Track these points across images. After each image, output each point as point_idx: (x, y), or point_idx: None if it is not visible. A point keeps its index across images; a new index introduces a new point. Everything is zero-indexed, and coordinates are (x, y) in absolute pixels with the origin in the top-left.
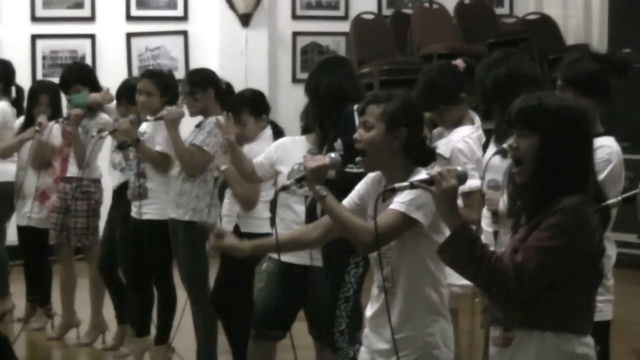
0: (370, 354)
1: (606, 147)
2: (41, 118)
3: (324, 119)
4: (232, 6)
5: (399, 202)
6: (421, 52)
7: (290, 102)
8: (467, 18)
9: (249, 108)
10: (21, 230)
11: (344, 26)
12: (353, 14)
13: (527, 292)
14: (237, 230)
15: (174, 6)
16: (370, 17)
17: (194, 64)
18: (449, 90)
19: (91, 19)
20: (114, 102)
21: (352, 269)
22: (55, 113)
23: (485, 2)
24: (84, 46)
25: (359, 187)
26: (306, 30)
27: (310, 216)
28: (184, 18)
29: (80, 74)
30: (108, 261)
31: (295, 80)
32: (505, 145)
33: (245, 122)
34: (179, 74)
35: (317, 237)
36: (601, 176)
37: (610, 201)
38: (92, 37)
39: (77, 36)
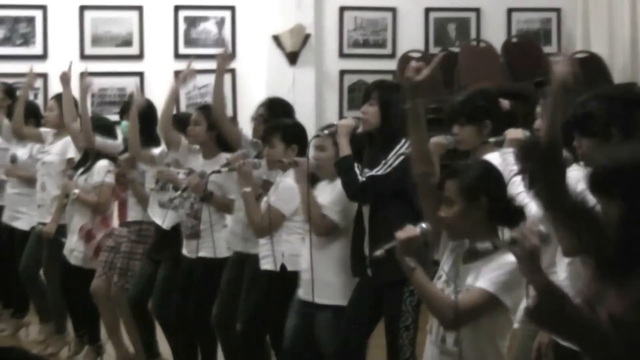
0: None
1: None
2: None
3: (384, 131)
4: (279, 44)
5: (490, 280)
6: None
7: None
8: (515, 56)
9: (281, 133)
10: (65, 265)
11: (391, 64)
12: (400, 52)
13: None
14: (283, 270)
15: (221, 45)
16: (417, 55)
17: (242, 102)
18: (477, 109)
19: (139, 57)
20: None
21: (407, 297)
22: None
23: (532, 40)
24: (132, 84)
25: None
26: (353, 68)
27: (356, 255)
28: (232, 56)
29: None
30: (142, 296)
31: (342, 118)
32: None
33: (275, 145)
34: (227, 112)
35: None
36: None
37: None
38: (140, 74)
39: (125, 74)
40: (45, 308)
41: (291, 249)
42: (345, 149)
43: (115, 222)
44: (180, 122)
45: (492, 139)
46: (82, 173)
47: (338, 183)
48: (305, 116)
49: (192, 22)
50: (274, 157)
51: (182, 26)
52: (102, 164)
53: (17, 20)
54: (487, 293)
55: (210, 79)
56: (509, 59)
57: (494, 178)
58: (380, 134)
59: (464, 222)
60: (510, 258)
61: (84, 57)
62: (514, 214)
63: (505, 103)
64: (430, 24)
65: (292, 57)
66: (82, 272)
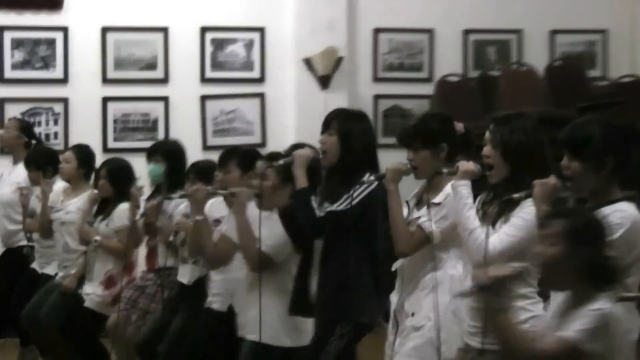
0: None
1: (620, 211)
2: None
3: (344, 163)
4: (310, 68)
5: (574, 328)
6: None
7: None
8: (558, 81)
9: (238, 159)
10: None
11: (428, 89)
12: (437, 76)
13: None
14: (231, 311)
15: (250, 68)
16: (455, 79)
17: (271, 128)
18: (433, 132)
19: (164, 80)
20: None
21: (334, 339)
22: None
23: (577, 63)
24: (156, 109)
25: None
26: (388, 93)
27: (299, 290)
28: (261, 80)
29: (167, 148)
30: (150, 341)
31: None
32: None
33: (230, 171)
34: (255, 138)
35: None
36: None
37: None
38: (165, 99)
39: (149, 99)
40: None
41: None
42: (302, 181)
43: (142, 268)
44: (202, 171)
45: (445, 170)
46: (103, 219)
47: (275, 216)
48: None
49: (219, 44)
50: (229, 183)
51: (209, 49)
52: (123, 207)
53: (36, 42)
54: (567, 341)
55: (237, 104)
56: (552, 83)
57: (600, 231)
58: (340, 166)
59: (560, 268)
60: (597, 305)
61: (106, 80)
62: (611, 275)
63: (459, 126)
64: (469, 46)
65: (324, 81)
66: (91, 315)
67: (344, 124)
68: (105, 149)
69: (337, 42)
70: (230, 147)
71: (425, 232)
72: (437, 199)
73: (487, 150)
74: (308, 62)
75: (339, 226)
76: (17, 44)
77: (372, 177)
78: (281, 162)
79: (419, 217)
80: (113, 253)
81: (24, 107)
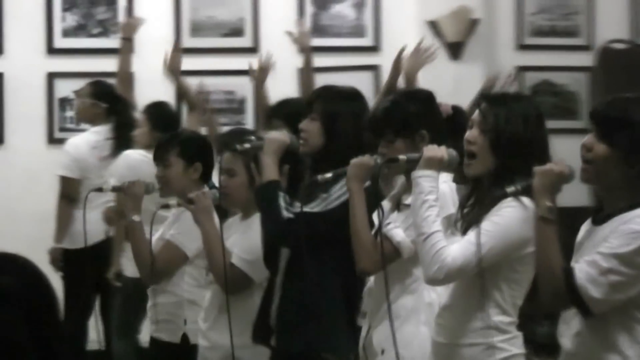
0: None
1: None
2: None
3: (329, 154)
4: (438, 33)
5: None
6: None
7: None
8: None
9: (179, 148)
10: None
11: (587, 59)
12: (599, 42)
13: None
14: (185, 341)
15: (361, 34)
16: (621, 46)
17: None
18: (409, 116)
19: (253, 50)
20: None
21: None
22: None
23: None
24: (243, 86)
25: None
26: (536, 64)
27: (261, 315)
28: (375, 49)
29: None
30: None
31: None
32: None
33: (171, 164)
34: None
35: None
36: (623, 249)
37: None
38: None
39: (234, 72)
40: None
41: (195, 314)
42: (271, 172)
43: None
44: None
45: (402, 156)
46: None
47: (253, 222)
48: None
49: (322, 3)
50: (175, 180)
51: (309, 9)
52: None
53: (93, 3)
54: None
55: (345, 78)
56: None
57: None
58: (324, 157)
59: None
60: None
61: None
62: None
63: (446, 107)
64: (639, 5)
65: (455, 49)
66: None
67: (329, 106)
68: None
69: (471, 1)
70: (170, 134)
71: (392, 242)
72: (408, 199)
73: (472, 134)
74: (435, 26)
75: (309, 233)
76: (69, 4)
77: (329, 175)
78: (247, 145)
79: (388, 224)
80: None
81: (78, 83)
